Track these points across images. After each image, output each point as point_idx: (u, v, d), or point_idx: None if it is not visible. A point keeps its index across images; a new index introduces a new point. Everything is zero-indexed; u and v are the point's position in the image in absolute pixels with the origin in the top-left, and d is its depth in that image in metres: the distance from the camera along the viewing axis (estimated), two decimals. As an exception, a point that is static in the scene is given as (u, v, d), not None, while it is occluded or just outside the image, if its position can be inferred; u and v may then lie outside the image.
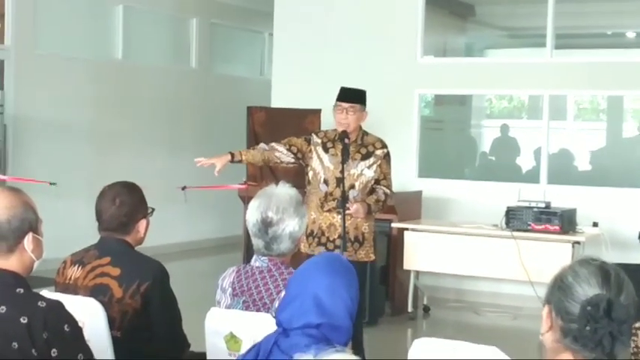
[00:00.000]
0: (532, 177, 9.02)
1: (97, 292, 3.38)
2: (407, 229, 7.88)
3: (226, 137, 10.53)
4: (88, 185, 8.71)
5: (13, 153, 9.42)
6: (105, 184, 3.64)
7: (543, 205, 7.50)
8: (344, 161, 5.19)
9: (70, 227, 8.27)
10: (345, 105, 5.27)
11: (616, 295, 2.00)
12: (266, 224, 3.24)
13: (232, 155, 5.28)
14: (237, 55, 12.76)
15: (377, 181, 5.34)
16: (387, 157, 5.38)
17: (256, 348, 2.44)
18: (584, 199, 8.26)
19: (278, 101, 9.79)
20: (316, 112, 8.60)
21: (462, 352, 2.90)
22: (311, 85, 9.37)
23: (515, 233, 7.44)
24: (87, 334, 2.78)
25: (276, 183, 3.38)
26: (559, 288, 2.06)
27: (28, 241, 2.67)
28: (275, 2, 10.01)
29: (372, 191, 5.32)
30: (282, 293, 2.71)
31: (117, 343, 3.30)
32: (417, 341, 2.95)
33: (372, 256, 5.43)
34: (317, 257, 2.58)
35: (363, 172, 5.29)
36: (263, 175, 8.43)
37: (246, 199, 7.46)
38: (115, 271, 3.41)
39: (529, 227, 7.44)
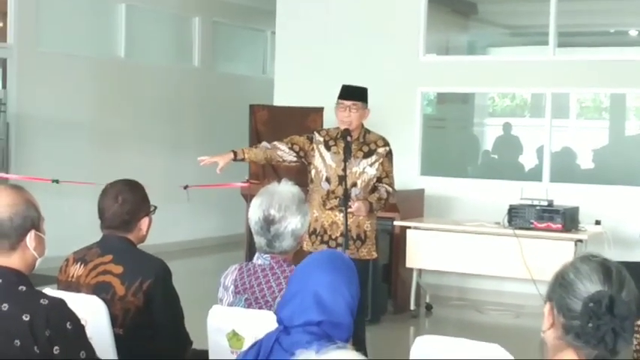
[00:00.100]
0: (534, 175, 9.01)
1: (100, 289, 3.39)
2: (409, 227, 7.89)
3: (229, 136, 10.54)
4: (90, 184, 8.72)
5: (15, 151, 9.43)
6: (107, 183, 3.65)
7: (546, 204, 7.50)
8: (346, 159, 5.18)
9: (73, 225, 8.28)
10: (348, 103, 5.27)
11: (618, 291, 2.00)
12: (268, 222, 3.24)
13: (235, 153, 5.28)
14: (239, 53, 12.76)
15: (379, 179, 5.33)
16: (389, 155, 5.37)
17: (257, 346, 2.44)
18: (587, 197, 8.25)
19: (280, 99, 9.79)
20: (318, 111, 8.59)
21: (464, 350, 2.90)
22: (313, 83, 9.37)
23: (518, 231, 7.43)
24: (89, 332, 2.78)
25: (279, 181, 3.38)
26: (560, 285, 2.06)
27: (30, 238, 2.67)
28: (277, 0, 10.01)
29: (375, 189, 5.32)
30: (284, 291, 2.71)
31: (119, 341, 3.30)
32: (419, 339, 2.95)
33: (375, 254, 5.43)
34: (317, 254, 2.58)
35: (365, 170, 5.29)
36: (265, 173, 8.43)
37: (248, 197, 7.47)
38: (118, 269, 3.41)
39: (531, 225, 7.44)
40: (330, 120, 6.16)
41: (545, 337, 2.10)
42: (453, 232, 7.83)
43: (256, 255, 3.33)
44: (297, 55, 9.80)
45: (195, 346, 3.60)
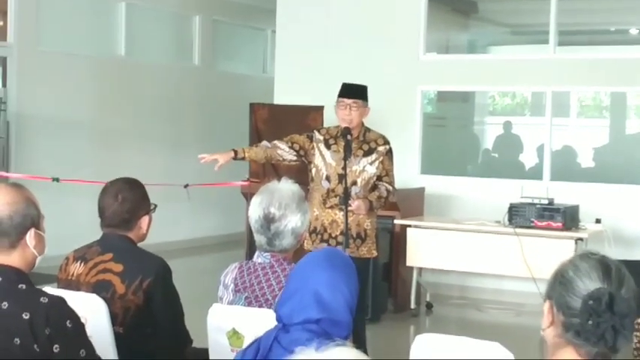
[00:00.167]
0: (535, 174, 9.01)
1: (100, 288, 3.38)
2: (410, 225, 7.89)
3: (229, 134, 10.54)
4: (90, 183, 8.72)
5: (16, 150, 9.43)
6: (107, 181, 3.64)
7: (546, 202, 7.50)
8: (346, 158, 5.18)
9: (73, 224, 8.28)
10: (348, 101, 5.27)
11: (617, 288, 1.99)
12: (268, 220, 3.24)
13: (235, 152, 5.28)
14: (239, 52, 12.77)
15: (379, 178, 5.33)
16: (389, 153, 5.37)
17: (256, 344, 2.44)
18: (587, 195, 8.25)
19: (280, 98, 9.79)
20: (319, 109, 8.59)
21: (464, 348, 2.91)
22: (313, 82, 9.37)
23: (518, 230, 7.44)
24: (89, 331, 2.78)
25: (279, 179, 3.37)
26: (560, 283, 2.06)
27: (30, 236, 2.67)
28: (277, -1, 10.02)
29: (375, 188, 5.32)
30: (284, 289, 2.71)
31: (119, 339, 3.30)
32: (419, 337, 2.95)
33: (375, 253, 5.43)
34: (316, 252, 2.58)
35: (365, 168, 5.29)
36: (266, 172, 8.43)
37: (248, 196, 7.47)
38: (118, 268, 3.41)
39: (532, 224, 7.44)
40: (331, 119, 6.16)
41: (545, 335, 2.09)
42: (454, 231, 7.83)
43: (256, 253, 3.33)
44: (297, 54, 9.79)
45: (196, 344, 3.60)
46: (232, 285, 3.31)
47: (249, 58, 13.01)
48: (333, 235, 5.24)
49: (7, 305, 2.54)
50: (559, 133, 9.27)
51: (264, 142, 5.41)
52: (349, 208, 5.11)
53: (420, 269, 8.07)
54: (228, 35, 12.42)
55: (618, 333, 1.95)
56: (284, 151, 5.33)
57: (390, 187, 5.36)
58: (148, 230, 3.59)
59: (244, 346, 2.93)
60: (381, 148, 5.34)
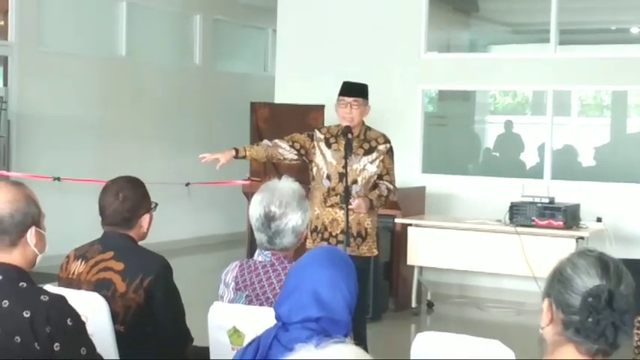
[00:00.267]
0: (536, 172, 9.01)
1: (101, 286, 3.38)
2: (410, 224, 7.89)
3: (230, 133, 10.54)
4: (91, 181, 8.72)
5: (16, 149, 9.43)
6: (108, 180, 3.64)
7: (547, 201, 7.50)
8: (347, 156, 5.18)
9: (74, 223, 8.28)
10: (349, 99, 5.27)
11: (616, 285, 1.99)
12: (269, 218, 3.24)
13: (236, 151, 5.29)
14: (240, 51, 12.77)
15: (380, 177, 5.33)
16: (390, 152, 5.37)
17: (256, 342, 2.44)
18: (588, 194, 8.25)
19: (281, 97, 9.79)
20: (319, 108, 8.59)
21: (465, 346, 2.91)
22: (314, 81, 9.36)
23: (519, 229, 7.44)
24: (90, 329, 2.79)
25: (280, 178, 3.37)
26: (558, 281, 2.06)
27: (30, 235, 2.67)
28: (278, -2, 10.02)
29: (375, 186, 5.32)
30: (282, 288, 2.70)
31: (120, 338, 3.30)
32: (420, 335, 2.95)
33: (375, 252, 5.43)
34: (315, 250, 2.58)
35: (365, 167, 5.29)
36: (267, 171, 8.42)
37: (249, 195, 7.46)
38: (119, 266, 3.41)
39: (533, 223, 7.44)
40: (331, 117, 6.16)
41: (544, 333, 2.09)
42: (454, 230, 7.84)
43: (257, 252, 3.33)
44: (298, 53, 9.79)
45: (196, 343, 3.60)
46: (233, 283, 3.31)
47: (249, 57, 13.01)
48: (334, 234, 5.24)
49: (7, 303, 2.55)
50: (560, 132, 9.26)
51: (265, 141, 5.41)
52: (350, 207, 5.11)
53: (421, 268, 8.07)
54: (229, 34, 12.42)
55: (618, 329, 1.95)
56: (285, 150, 5.33)
57: (391, 186, 5.36)
58: (148, 229, 3.59)
59: (245, 344, 2.93)
60: (381, 147, 5.34)
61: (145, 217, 3.55)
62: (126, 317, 3.36)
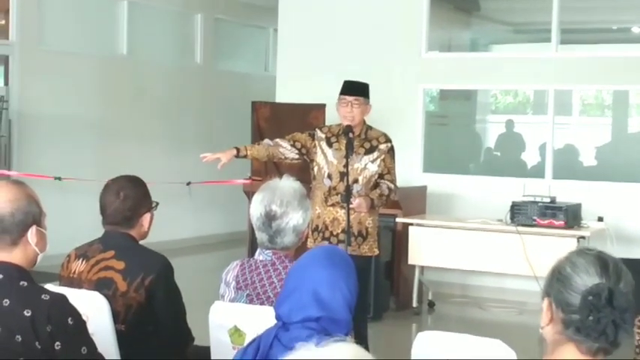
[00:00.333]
0: (537, 172, 9.01)
1: (102, 285, 3.38)
2: (412, 224, 7.89)
3: (231, 133, 10.54)
4: (92, 180, 8.72)
5: (17, 148, 9.44)
6: (109, 179, 3.64)
7: (548, 200, 7.49)
8: (348, 156, 5.18)
9: (75, 222, 8.28)
10: (350, 98, 5.27)
11: (615, 283, 1.99)
12: (270, 217, 3.23)
13: (238, 150, 5.28)
14: (241, 50, 12.76)
15: (381, 176, 5.33)
16: (391, 151, 5.37)
17: (257, 342, 2.44)
18: (590, 194, 8.24)
19: (282, 96, 9.79)
20: (320, 107, 8.59)
21: (466, 345, 2.90)
22: (315, 80, 9.36)
23: (520, 228, 7.43)
24: (91, 328, 2.78)
25: (281, 178, 3.37)
26: (558, 280, 2.05)
27: (31, 234, 2.67)
28: (279, -3, 10.01)
29: (376, 186, 5.31)
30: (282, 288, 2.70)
31: (121, 337, 3.30)
32: (421, 334, 2.95)
33: (376, 251, 5.42)
34: (314, 250, 2.57)
35: (366, 166, 5.29)
36: (268, 170, 8.42)
37: (250, 194, 7.46)
38: (120, 265, 3.41)
39: (534, 222, 7.44)
40: (332, 117, 6.16)
41: (544, 332, 2.09)
42: (456, 229, 7.83)
43: (258, 251, 3.33)
44: (299, 52, 9.79)
45: (197, 342, 3.60)
46: (234, 283, 3.31)
47: (251, 56, 13.01)
48: (335, 233, 5.24)
49: (8, 302, 2.55)
50: (561, 132, 9.26)
51: (266, 141, 5.41)
52: (351, 206, 5.11)
53: (422, 267, 8.07)
54: (230, 34, 12.42)
55: (619, 327, 1.95)
56: (286, 150, 5.33)
57: (392, 185, 5.35)
58: (149, 228, 3.59)
59: (245, 343, 2.93)
60: (382, 146, 5.34)
61: (146, 217, 3.55)
62: (127, 316, 3.36)
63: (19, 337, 2.51)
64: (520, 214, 7.50)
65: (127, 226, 3.51)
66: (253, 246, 6.83)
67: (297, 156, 5.36)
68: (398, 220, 7.86)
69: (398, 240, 7.94)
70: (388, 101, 8.38)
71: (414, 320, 7.83)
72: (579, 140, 9.78)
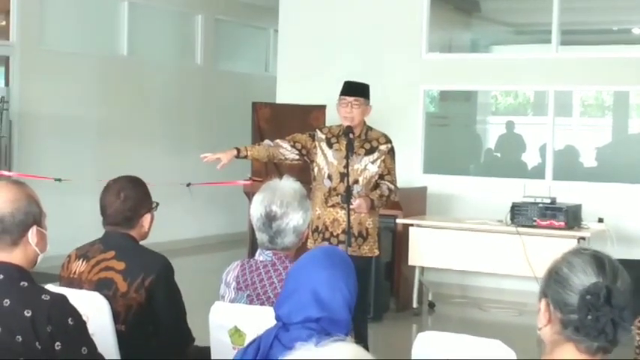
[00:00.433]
0: (537, 173, 9.01)
1: (102, 286, 3.38)
2: (412, 224, 7.89)
3: (231, 133, 10.55)
4: (92, 181, 8.72)
5: (18, 149, 9.44)
6: (109, 179, 3.64)
7: (548, 201, 7.50)
8: (348, 156, 5.18)
9: (75, 224, 8.28)
10: (350, 99, 5.27)
11: (613, 281, 1.99)
12: (270, 218, 3.24)
13: (238, 150, 5.29)
14: (242, 51, 12.77)
15: (381, 177, 5.33)
16: (391, 152, 5.37)
17: (257, 342, 2.44)
18: (590, 195, 8.25)
19: (283, 97, 9.79)
20: (321, 108, 8.60)
21: (466, 346, 2.90)
22: (316, 81, 9.37)
23: (521, 229, 7.43)
24: (91, 328, 2.78)
25: (281, 178, 3.37)
26: (555, 280, 2.05)
27: (32, 234, 2.67)
28: (280, -2, 10.02)
29: (376, 186, 5.32)
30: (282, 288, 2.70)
31: (121, 337, 3.30)
32: (421, 335, 2.95)
33: (376, 252, 5.42)
34: (313, 251, 2.57)
35: (367, 167, 5.29)
36: (268, 171, 8.42)
37: (251, 195, 7.45)
38: (120, 265, 3.41)
39: (534, 223, 7.44)
40: (333, 118, 6.16)
41: (542, 333, 2.09)
42: (456, 230, 7.83)
43: (258, 251, 3.33)
44: (299, 53, 9.80)
45: (198, 342, 3.60)
46: (234, 283, 3.31)
47: (251, 57, 13.01)
48: (335, 234, 5.24)
49: (8, 303, 2.55)
50: (561, 133, 9.26)
51: (267, 141, 5.42)
52: (351, 207, 5.11)
53: (422, 268, 8.07)
54: (231, 34, 12.43)
55: (618, 326, 1.95)
56: (286, 150, 5.33)
57: (392, 186, 5.36)
58: (150, 228, 3.59)
59: (246, 344, 2.94)
60: (382, 147, 5.34)
61: (147, 217, 3.55)
62: (127, 317, 3.36)
63: (19, 338, 2.51)
64: (520, 215, 7.50)
65: (127, 227, 3.51)
66: (254, 246, 6.83)
67: (297, 157, 5.37)
68: (398, 220, 7.86)
69: (398, 241, 7.94)
70: (388, 102, 8.38)
71: (414, 321, 7.83)
72: (579, 141, 9.78)
